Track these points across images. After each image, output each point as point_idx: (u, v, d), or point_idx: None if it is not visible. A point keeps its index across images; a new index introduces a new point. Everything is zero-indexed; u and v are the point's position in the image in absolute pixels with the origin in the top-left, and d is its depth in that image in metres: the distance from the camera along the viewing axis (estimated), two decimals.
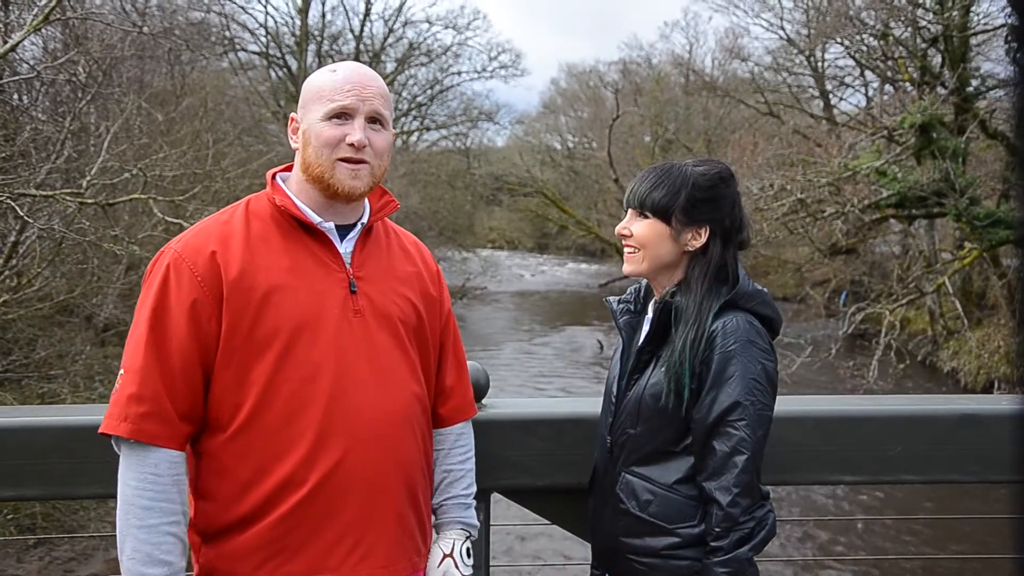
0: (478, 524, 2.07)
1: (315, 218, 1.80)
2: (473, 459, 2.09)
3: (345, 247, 1.84)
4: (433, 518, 2.01)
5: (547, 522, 2.45)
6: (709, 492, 1.81)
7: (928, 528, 9.67)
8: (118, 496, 1.69)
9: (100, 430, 1.69)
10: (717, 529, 1.79)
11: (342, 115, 1.77)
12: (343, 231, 1.85)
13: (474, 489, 2.07)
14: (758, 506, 1.82)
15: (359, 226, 1.87)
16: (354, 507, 1.76)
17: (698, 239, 1.92)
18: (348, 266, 1.83)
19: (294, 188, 1.84)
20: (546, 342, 23.91)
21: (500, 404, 2.43)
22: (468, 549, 1.98)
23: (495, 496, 2.39)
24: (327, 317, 1.76)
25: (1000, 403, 2.47)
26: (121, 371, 1.71)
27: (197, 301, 1.70)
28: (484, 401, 2.42)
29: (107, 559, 8.01)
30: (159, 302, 1.71)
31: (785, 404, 2.32)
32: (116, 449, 1.72)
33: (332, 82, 1.78)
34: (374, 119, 1.80)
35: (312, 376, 1.73)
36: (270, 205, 1.82)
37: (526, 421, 2.36)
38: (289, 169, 1.91)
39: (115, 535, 1.69)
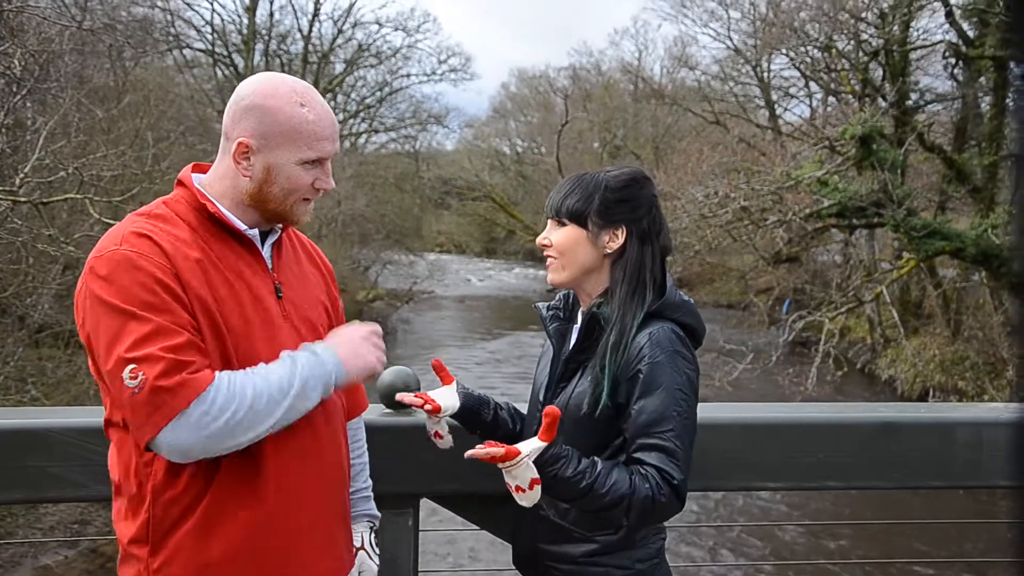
0: (379, 515, 2.11)
1: (241, 225, 1.76)
2: (367, 452, 2.13)
3: (265, 253, 1.82)
4: None
5: (475, 527, 2.45)
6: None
7: (859, 532, 9.85)
8: (251, 423, 1.59)
9: (163, 424, 1.53)
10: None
11: (317, 160, 1.75)
12: (260, 237, 1.82)
13: (371, 482, 2.11)
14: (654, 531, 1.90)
15: (276, 232, 1.84)
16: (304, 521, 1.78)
17: (615, 240, 1.93)
18: (272, 271, 1.81)
19: (216, 194, 1.77)
20: (492, 347, 23.93)
21: None
22: (374, 539, 2.06)
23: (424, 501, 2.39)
24: (268, 324, 1.74)
25: (919, 411, 2.53)
26: (131, 366, 1.52)
27: (166, 281, 1.59)
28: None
29: (36, 566, 7.82)
30: (135, 294, 1.57)
31: (712, 411, 2.36)
32: (156, 444, 1.57)
33: (308, 125, 1.72)
34: None
35: None
36: (193, 211, 1.74)
37: (455, 426, 2.35)
38: (198, 170, 1.84)
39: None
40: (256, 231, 1.79)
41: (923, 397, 16.82)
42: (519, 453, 1.72)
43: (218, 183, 1.78)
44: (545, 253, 1.99)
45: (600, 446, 1.88)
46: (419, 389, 2.42)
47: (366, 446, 2.13)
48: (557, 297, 2.14)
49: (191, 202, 1.75)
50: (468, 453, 1.72)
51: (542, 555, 1.96)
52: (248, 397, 1.59)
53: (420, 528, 2.40)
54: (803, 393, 14.92)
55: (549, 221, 1.99)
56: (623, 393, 1.83)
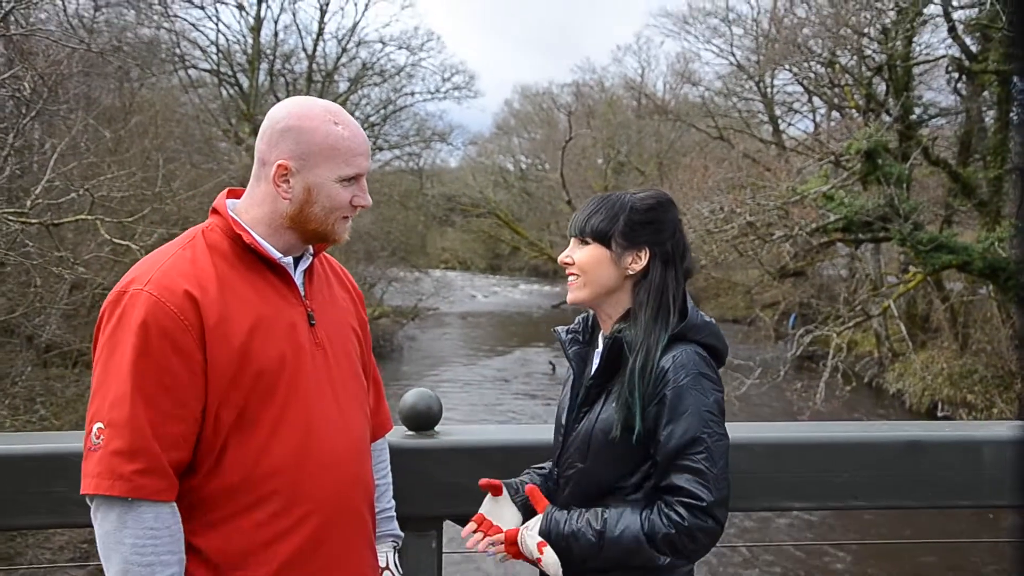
0: (402, 534, 2.12)
1: (276, 254, 1.77)
2: (390, 472, 2.14)
3: (297, 280, 1.83)
4: None
5: None
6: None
7: (879, 552, 9.80)
8: (113, 555, 1.61)
9: (86, 491, 1.60)
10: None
11: (354, 177, 1.77)
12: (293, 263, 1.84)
13: (394, 503, 2.13)
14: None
15: (308, 258, 1.86)
16: (337, 540, 1.79)
17: (639, 262, 1.93)
18: (304, 299, 1.82)
19: (251, 220, 1.78)
20: (498, 363, 23.89)
21: (452, 431, 2.41)
22: (397, 559, 2.09)
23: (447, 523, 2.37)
24: (302, 353, 1.76)
25: (943, 430, 2.51)
26: (99, 424, 1.60)
27: (181, 341, 1.62)
28: (437, 428, 2.41)
29: None
30: (140, 346, 1.60)
31: (735, 430, 2.33)
32: (90, 502, 1.64)
33: (344, 142, 1.75)
34: None
35: (297, 413, 1.73)
36: (227, 239, 1.76)
37: (478, 448, 2.34)
38: (233, 195, 1.86)
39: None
40: (290, 259, 1.80)
41: (931, 410, 16.76)
42: (518, 531, 1.93)
43: (255, 208, 1.79)
44: (568, 271, 1.98)
45: (629, 471, 1.88)
46: (442, 412, 2.42)
47: (389, 466, 2.14)
48: (576, 320, 2.13)
49: (226, 231, 1.76)
50: (478, 550, 1.96)
51: None
52: (146, 555, 1.61)
53: (444, 550, 2.39)
54: (812, 408, 14.85)
55: (572, 240, 1.99)
56: (649, 417, 1.83)
